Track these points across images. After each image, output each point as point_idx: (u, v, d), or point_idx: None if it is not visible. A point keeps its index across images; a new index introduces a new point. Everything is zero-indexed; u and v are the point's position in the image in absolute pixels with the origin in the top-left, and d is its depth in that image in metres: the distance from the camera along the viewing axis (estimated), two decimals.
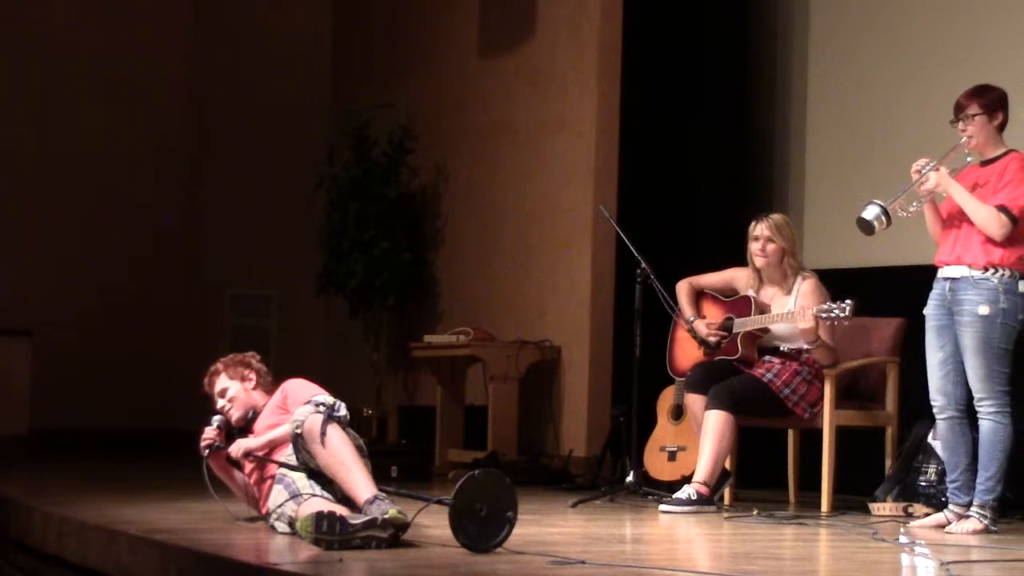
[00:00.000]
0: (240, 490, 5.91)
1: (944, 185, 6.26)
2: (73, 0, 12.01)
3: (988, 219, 6.15)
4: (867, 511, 6.99)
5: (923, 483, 6.91)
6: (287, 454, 5.48)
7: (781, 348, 7.29)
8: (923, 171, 6.28)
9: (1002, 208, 6.14)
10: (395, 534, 4.90)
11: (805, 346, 7.15)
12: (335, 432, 5.25)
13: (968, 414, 6.31)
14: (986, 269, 6.17)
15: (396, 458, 8.58)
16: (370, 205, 10.82)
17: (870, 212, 6.27)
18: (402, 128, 10.87)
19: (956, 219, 6.28)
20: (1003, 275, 6.17)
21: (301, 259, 11.53)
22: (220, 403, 5.94)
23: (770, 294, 7.39)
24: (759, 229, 7.35)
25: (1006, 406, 6.19)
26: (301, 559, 4.70)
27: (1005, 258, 6.17)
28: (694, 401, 7.24)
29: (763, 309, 7.30)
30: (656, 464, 7.88)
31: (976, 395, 6.22)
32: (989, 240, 6.17)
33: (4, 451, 10.12)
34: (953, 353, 6.27)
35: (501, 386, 9.39)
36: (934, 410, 6.36)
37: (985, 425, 6.22)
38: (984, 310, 6.15)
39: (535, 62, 10.03)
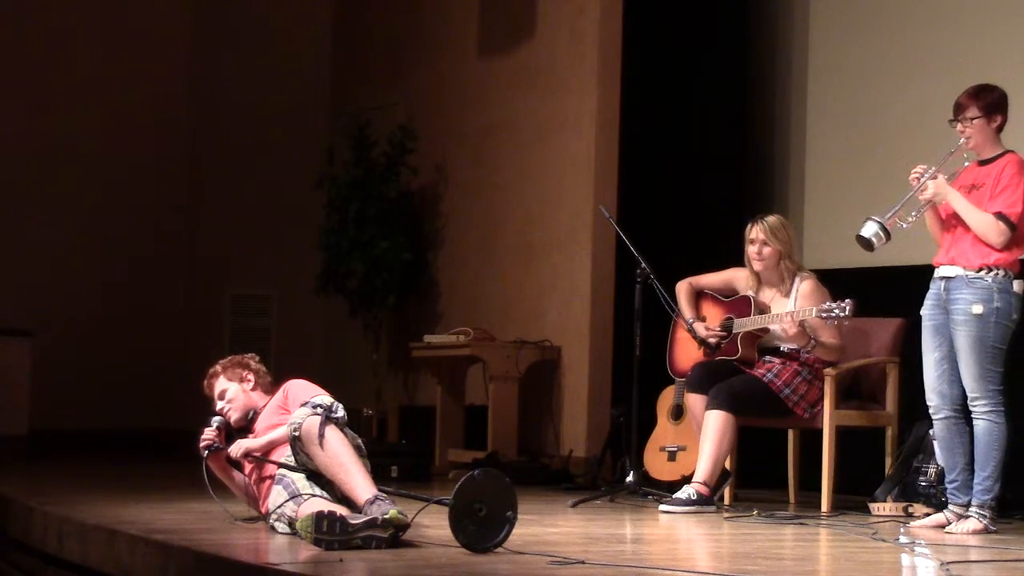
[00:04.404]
0: (240, 490, 5.91)
1: (942, 194, 6.26)
2: (73, 3, 12.01)
3: (987, 227, 6.16)
4: (867, 511, 6.99)
5: (923, 483, 6.91)
6: (286, 455, 5.48)
7: (781, 348, 7.29)
8: (922, 179, 6.28)
9: (1000, 215, 6.15)
10: (395, 534, 4.89)
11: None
12: (333, 433, 5.25)
13: (964, 414, 6.31)
14: (980, 269, 6.18)
15: (396, 458, 8.58)
16: (370, 205, 10.82)
17: (868, 229, 6.28)
18: (402, 128, 10.87)
19: (954, 220, 6.29)
20: (997, 274, 6.17)
21: (301, 259, 11.54)
22: (219, 404, 5.95)
23: (769, 296, 7.39)
24: (754, 232, 7.35)
25: (1000, 405, 6.20)
26: (301, 559, 4.70)
27: (1001, 260, 6.17)
28: (694, 401, 7.24)
29: (763, 309, 7.30)
30: (656, 464, 7.88)
31: (970, 394, 6.22)
32: (984, 242, 6.17)
33: (4, 451, 10.12)
34: (949, 353, 6.28)
35: (501, 386, 9.39)
36: (930, 410, 6.37)
37: (980, 425, 6.22)
38: (978, 309, 6.16)
39: (535, 62, 10.03)
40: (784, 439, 7.84)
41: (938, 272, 6.33)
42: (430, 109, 11.04)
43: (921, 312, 6.38)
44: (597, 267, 9.36)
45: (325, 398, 5.42)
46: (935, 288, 6.33)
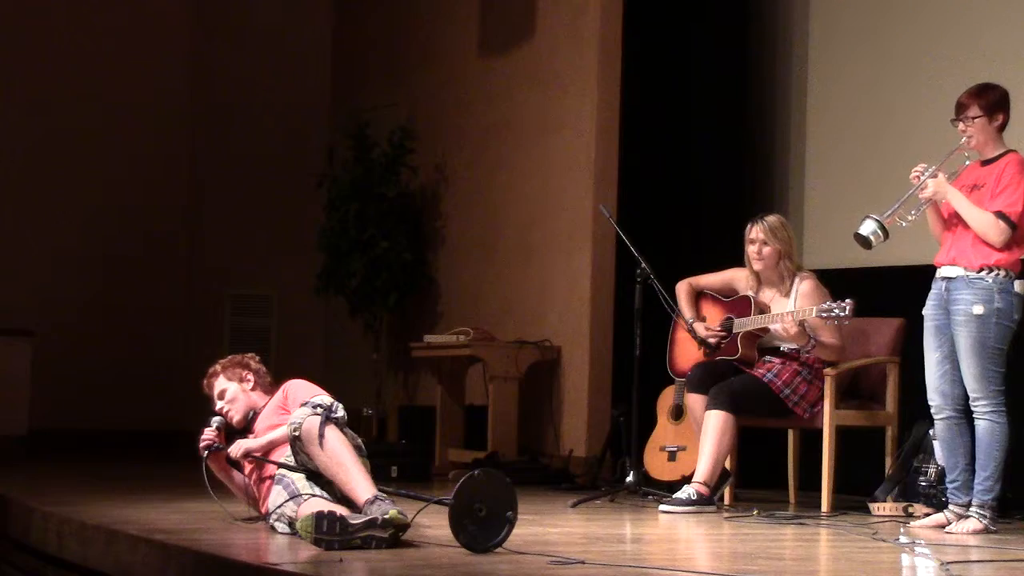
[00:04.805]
0: (240, 490, 5.91)
1: (942, 192, 6.25)
2: (73, 1, 12.02)
3: (987, 226, 6.15)
4: (867, 511, 6.99)
5: (923, 483, 6.91)
6: (286, 455, 5.48)
7: (781, 348, 7.28)
8: (922, 177, 6.28)
9: (1000, 214, 6.14)
10: (395, 534, 4.89)
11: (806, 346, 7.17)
12: (333, 433, 5.25)
13: (966, 414, 6.31)
14: (981, 269, 6.18)
15: (396, 458, 8.58)
16: (370, 205, 10.82)
17: (866, 227, 6.27)
18: (402, 128, 10.88)
19: (955, 220, 6.28)
20: (998, 275, 6.17)
21: (301, 259, 11.54)
22: (219, 404, 5.95)
23: (769, 296, 7.38)
24: (754, 232, 7.34)
25: (1001, 406, 6.20)
26: (301, 559, 4.70)
27: (1002, 260, 6.17)
28: (694, 401, 7.24)
29: (763, 309, 7.29)
30: (656, 464, 7.88)
31: (971, 395, 6.22)
32: (985, 242, 6.17)
33: (4, 451, 10.13)
34: (950, 353, 6.27)
35: (501, 386, 9.39)
36: (932, 410, 6.37)
37: (981, 425, 6.22)
38: (979, 310, 6.15)
39: (535, 62, 10.03)
40: (784, 439, 7.84)
41: (939, 272, 6.32)
42: (430, 109, 11.04)
43: (923, 312, 6.38)
44: (597, 267, 9.36)
45: (325, 398, 5.42)
46: (936, 288, 6.33)
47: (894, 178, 7.07)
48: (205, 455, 5.79)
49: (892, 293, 7.59)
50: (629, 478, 7.50)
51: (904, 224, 6.32)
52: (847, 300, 6.83)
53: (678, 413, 7.82)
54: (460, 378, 10.00)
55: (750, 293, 7.38)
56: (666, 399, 7.94)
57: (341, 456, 5.21)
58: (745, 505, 7.22)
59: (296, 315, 12.16)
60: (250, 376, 5.97)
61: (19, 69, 11.76)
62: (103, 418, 11.56)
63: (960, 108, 6.29)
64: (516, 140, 10.18)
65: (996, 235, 6.14)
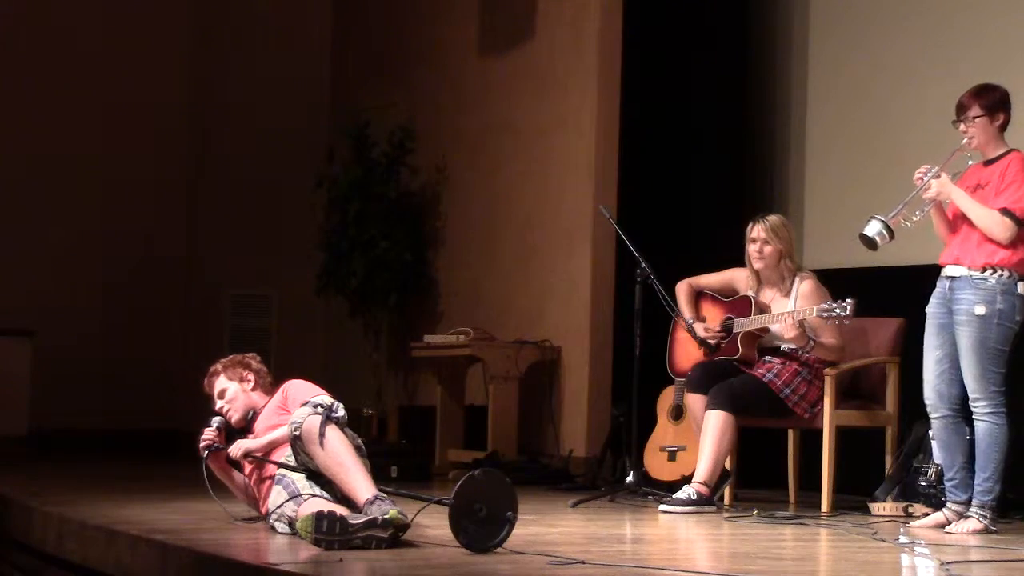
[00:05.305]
0: (240, 490, 5.92)
1: (945, 192, 6.25)
2: (73, 2, 12.02)
3: (992, 223, 6.15)
4: (867, 511, 6.99)
5: (923, 483, 6.90)
6: (286, 455, 5.48)
7: (781, 348, 7.28)
8: (925, 178, 6.28)
9: (1005, 211, 6.14)
10: (395, 534, 4.90)
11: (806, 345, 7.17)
12: (333, 433, 5.25)
13: (962, 413, 6.31)
14: (984, 269, 6.18)
15: (396, 458, 8.58)
16: (370, 205, 10.82)
17: (872, 228, 6.28)
18: (402, 128, 10.87)
19: (960, 220, 6.28)
20: (1001, 276, 6.16)
21: (301, 259, 11.53)
22: (219, 404, 5.95)
23: (769, 296, 7.38)
24: (756, 231, 7.34)
25: (1001, 406, 6.19)
26: (301, 559, 4.70)
27: (1005, 260, 6.17)
28: (694, 401, 7.24)
29: (763, 309, 7.29)
30: (656, 464, 7.88)
31: (971, 395, 6.22)
32: (990, 241, 6.17)
33: (4, 451, 10.13)
34: (950, 352, 6.27)
35: (501, 386, 9.39)
36: (927, 409, 6.37)
37: (980, 426, 6.22)
38: (980, 310, 6.15)
39: (535, 62, 10.03)
40: (784, 439, 7.83)
41: (944, 271, 6.33)
42: (430, 109, 11.04)
43: (926, 310, 6.38)
44: (597, 267, 9.36)
45: (325, 398, 5.42)
46: (940, 287, 6.33)
47: (894, 178, 7.07)
48: (205, 455, 5.80)
49: (892, 293, 7.58)
50: (629, 478, 7.50)
51: (909, 225, 6.32)
52: (847, 300, 6.83)
53: (678, 413, 7.82)
54: (460, 378, 10.00)
55: (750, 293, 7.39)
56: (666, 399, 7.94)
57: (341, 456, 5.21)
58: (745, 505, 7.22)
59: (296, 315, 12.15)
60: (250, 376, 5.98)
61: (19, 69, 11.75)
62: (103, 418, 11.56)
63: (961, 109, 6.29)
64: (516, 140, 10.18)
65: (1002, 231, 6.14)
